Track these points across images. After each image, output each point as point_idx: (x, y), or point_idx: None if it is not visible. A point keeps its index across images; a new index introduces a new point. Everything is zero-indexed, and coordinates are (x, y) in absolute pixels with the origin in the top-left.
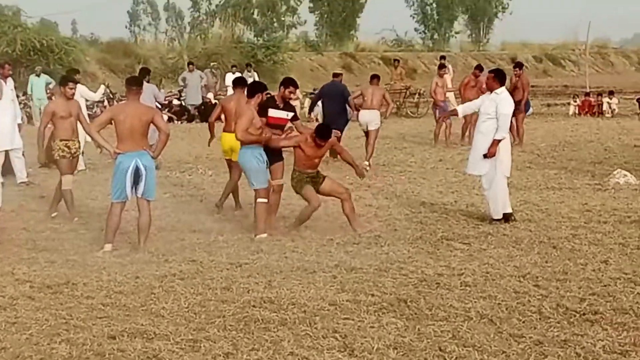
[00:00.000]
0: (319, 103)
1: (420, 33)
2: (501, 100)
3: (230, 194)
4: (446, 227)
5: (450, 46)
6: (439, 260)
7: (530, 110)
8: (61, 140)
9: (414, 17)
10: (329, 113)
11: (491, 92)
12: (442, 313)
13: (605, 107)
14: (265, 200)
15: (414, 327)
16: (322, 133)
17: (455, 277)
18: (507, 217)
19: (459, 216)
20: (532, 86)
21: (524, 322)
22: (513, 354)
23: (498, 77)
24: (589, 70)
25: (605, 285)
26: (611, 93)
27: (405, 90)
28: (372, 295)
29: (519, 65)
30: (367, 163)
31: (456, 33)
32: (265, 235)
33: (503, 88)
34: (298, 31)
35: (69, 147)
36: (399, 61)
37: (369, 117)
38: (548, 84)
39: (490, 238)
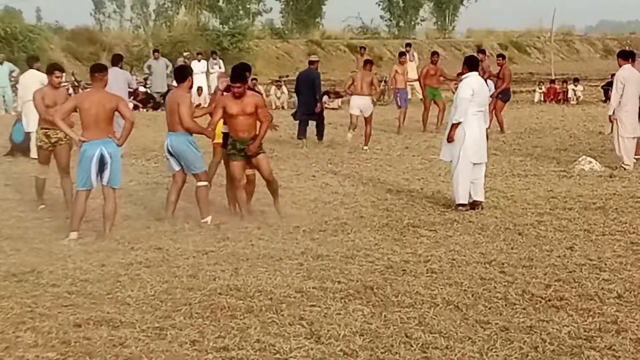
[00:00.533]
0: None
1: (386, 20)
2: (461, 85)
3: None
4: (412, 214)
5: (416, 34)
6: (405, 247)
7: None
8: (42, 129)
9: (379, 5)
10: (304, 99)
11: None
12: (409, 300)
13: (570, 94)
14: (206, 183)
15: (380, 313)
16: (233, 75)
17: (422, 264)
18: (473, 205)
19: (425, 203)
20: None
21: (489, 308)
22: (479, 340)
23: (467, 62)
24: (554, 58)
25: (570, 272)
26: (576, 80)
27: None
28: (339, 282)
29: (502, 55)
30: (366, 148)
31: (422, 20)
32: (210, 217)
33: (470, 73)
34: (264, 19)
35: (48, 137)
36: (364, 49)
37: (362, 103)
38: (513, 71)
39: (456, 225)
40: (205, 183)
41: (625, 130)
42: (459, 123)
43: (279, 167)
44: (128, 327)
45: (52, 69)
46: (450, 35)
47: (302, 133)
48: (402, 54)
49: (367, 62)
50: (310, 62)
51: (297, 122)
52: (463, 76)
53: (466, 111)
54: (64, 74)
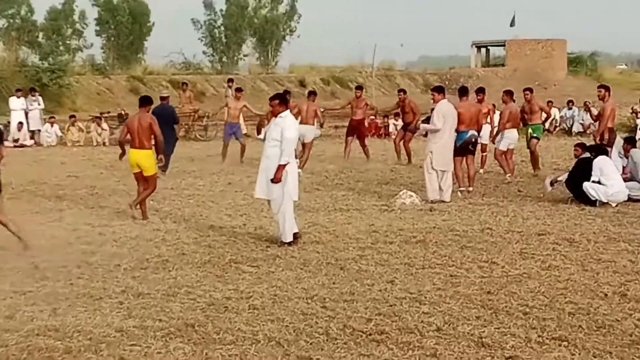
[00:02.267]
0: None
1: (208, 56)
2: (285, 125)
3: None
4: (235, 250)
5: (239, 69)
6: (228, 283)
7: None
8: None
9: (202, 40)
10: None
11: (276, 116)
12: (230, 337)
13: (391, 128)
14: None
15: (201, 351)
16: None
17: (244, 301)
18: (294, 237)
19: (247, 239)
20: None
21: (311, 343)
22: None
23: (282, 100)
24: (375, 92)
25: (391, 305)
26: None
27: (193, 114)
28: (160, 320)
29: (403, 90)
30: (300, 171)
31: (244, 56)
32: None
33: (287, 112)
34: (84, 54)
35: None
36: (187, 84)
37: (304, 130)
38: (336, 106)
39: (278, 260)
40: None
41: (436, 163)
42: (287, 164)
43: (100, 205)
44: None
45: None
46: (273, 70)
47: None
48: (238, 89)
49: (310, 93)
50: (162, 98)
51: None
52: (283, 115)
53: (292, 152)
54: None
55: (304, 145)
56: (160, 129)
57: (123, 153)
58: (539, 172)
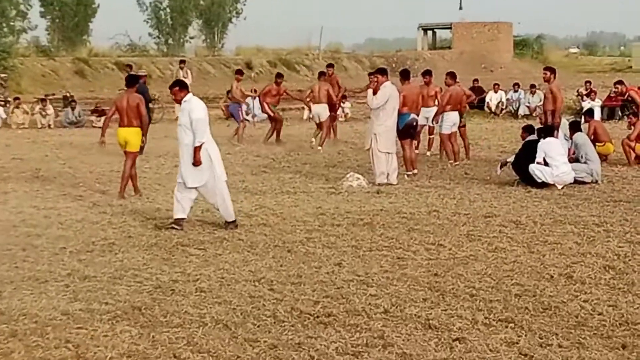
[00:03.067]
0: None
1: (154, 38)
2: (192, 108)
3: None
4: (181, 233)
5: (185, 51)
6: (174, 266)
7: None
8: None
9: (147, 22)
10: None
11: (180, 102)
12: (177, 320)
13: (339, 111)
14: None
15: (148, 334)
16: None
17: (191, 283)
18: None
19: (194, 222)
20: (269, 92)
21: (258, 326)
22: (247, 358)
23: (182, 86)
24: None
25: (338, 288)
26: (344, 97)
27: None
28: (106, 303)
29: (331, 65)
30: (320, 148)
31: (191, 38)
32: None
33: (190, 95)
34: (29, 36)
35: None
36: (132, 67)
37: (318, 110)
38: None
39: (225, 243)
40: None
41: (381, 145)
42: (202, 144)
43: (45, 187)
44: None
45: None
46: (220, 52)
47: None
48: (239, 72)
49: (321, 74)
50: (139, 77)
51: None
52: (187, 98)
53: (205, 132)
54: None
55: (319, 124)
56: None
57: (103, 137)
58: None
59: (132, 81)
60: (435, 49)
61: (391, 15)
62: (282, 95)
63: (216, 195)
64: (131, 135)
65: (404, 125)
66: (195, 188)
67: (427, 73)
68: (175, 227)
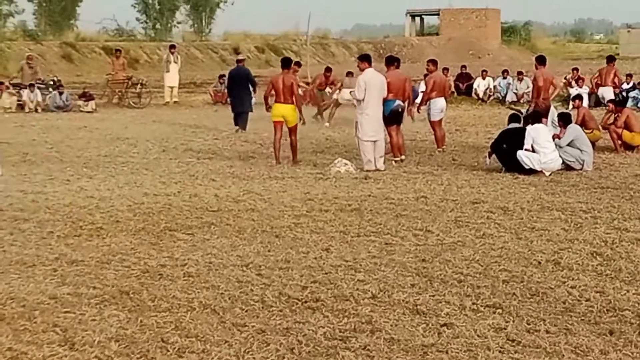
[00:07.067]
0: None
1: (142, 23)
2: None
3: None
4: (169, 217)
5: (173, 36)
6: (162, 251)
7: None
8: None
9: (135, 7)
10: (237, 95)
11: None
12: (165, 304)
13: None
14: None
15: (136, 319)
16: None
17: (179, 268)
18: None
19: (182, 206)
20: (256, 76)
21: (246, 311)
22: (235, 343)
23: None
24: (310, 61)
25: (326, 273)
26: (332, 84)
27: (127, 81)
28: (94, 287)
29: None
30: (327, 124)
31: (178, 23)
32: None
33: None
34: (16, 20)
35: None
36: (120, 51)
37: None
38: (270, 74)
39: (213, 228)
40: None
41: (364, 134)
42: None
43: (32, 172)
44: None
45: None
46: (207, 38)
47: (237, 123)
48: (297, 64)
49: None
50: (239, 61)
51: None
52: None
53: None
54: None
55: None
56: (237, 90)
57: (269, 106)
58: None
59: (287, 63)
60: (423, 35)
61: (379, 1)
62: (330, 85)
63: None
64: (288, 112)
65: (389, 111)
66: None
67: (431, 62)
68: None
